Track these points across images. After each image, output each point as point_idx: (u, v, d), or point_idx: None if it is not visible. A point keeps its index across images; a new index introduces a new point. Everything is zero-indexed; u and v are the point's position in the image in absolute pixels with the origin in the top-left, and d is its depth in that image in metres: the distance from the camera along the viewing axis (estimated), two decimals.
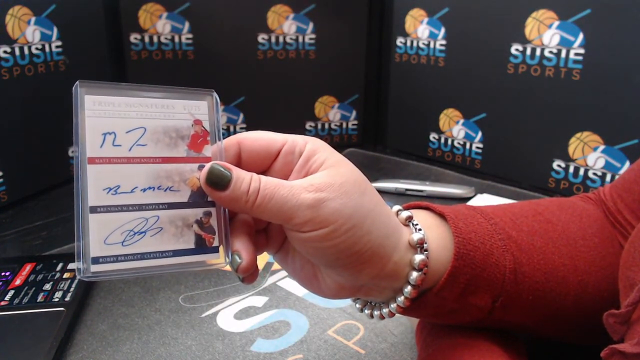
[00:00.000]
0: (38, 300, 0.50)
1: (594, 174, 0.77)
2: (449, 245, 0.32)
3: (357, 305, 0.35)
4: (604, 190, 0.42)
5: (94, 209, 0.27)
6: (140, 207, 0.28)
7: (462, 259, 0.31)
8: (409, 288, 0.31)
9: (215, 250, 0.30)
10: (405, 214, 0.33)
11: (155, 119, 0.29)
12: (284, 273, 0.58)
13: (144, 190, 0.28)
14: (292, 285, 0.55)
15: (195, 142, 0.30)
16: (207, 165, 0.29)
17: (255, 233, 0.32)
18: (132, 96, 0.29)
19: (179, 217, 0.29)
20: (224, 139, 0.31)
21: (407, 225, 0.32)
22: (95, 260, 0.26)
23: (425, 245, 0.31)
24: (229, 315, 0.50)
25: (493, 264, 0.32)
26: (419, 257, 0.31)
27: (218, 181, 0.28)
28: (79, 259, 0.26)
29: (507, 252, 0.33)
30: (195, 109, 0.30)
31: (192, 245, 0.29)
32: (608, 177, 0.76)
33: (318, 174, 0.29)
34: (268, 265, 0.60)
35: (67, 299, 0.50)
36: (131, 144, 0.28)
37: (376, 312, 0.34)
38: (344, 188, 0.29)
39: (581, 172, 0.79)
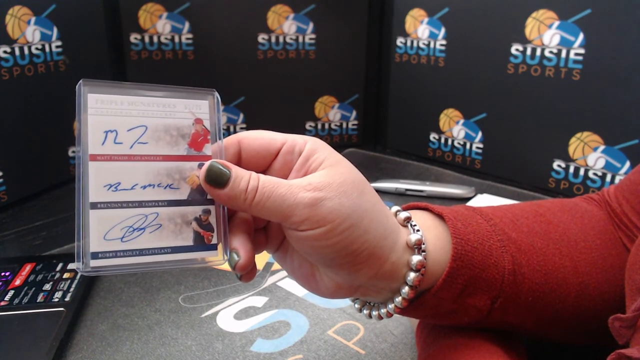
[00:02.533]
0: (38, 301, 0.50)
1: (594, 174, 0.77)
2: (447, 246, 0.32)
3: (356, 305, 0.35)
4: (609, 192, 0.42)
5: (94, 205, 0.27)
6: (140, 204, 0.28)
7: (460, 259, 0.31)
8: (406, 289, 0.31)
9: (214, 247, 0.30)
10: (403, 214, 0.32)
11: (156, 118, 0.29)
12: (284, 273, 0.58)
13: (144, 187, 0.28)
14: (292, 286, 0.55)
15: (195, 140, 0.30)
16: (207, 163, 0.29)
17: (254, 231, 0.32)
18: (134, 95, 0.29)
19: (178, 214, 0.29)
20: (224, 138, 0.31)
21: (406, 226, 0.32)
22: (95, 255, 0.27)
23: (423, 246, 0.31)
24: (228, 315, 0.50)
25: (492, 264, 0.32)
26: (416, 258, 0.31)
27: (217, 179, 0.28)
28: (79, 253, 0.27)
29: (506, 253, 0.33)
30: (197, 108, 0.30)
31: (190, 243, 0.29)
32: (608, 177, 0.76)
33: (317, 174, 0.29)
34: (268, 265, 0.60)
35: (67, 299, 0.50)
36: (132, 141, 0.28)
37: (374, 313, 0.34)
38: (342, 188, 0.29)
39: (581, 172, 0.79)
